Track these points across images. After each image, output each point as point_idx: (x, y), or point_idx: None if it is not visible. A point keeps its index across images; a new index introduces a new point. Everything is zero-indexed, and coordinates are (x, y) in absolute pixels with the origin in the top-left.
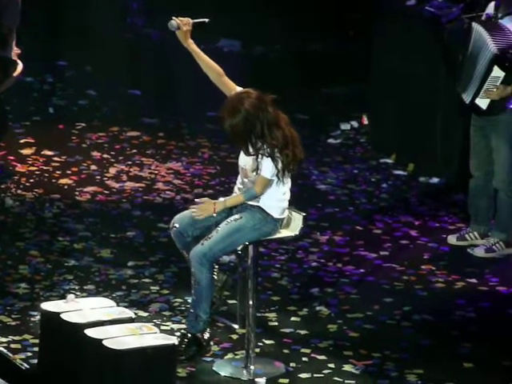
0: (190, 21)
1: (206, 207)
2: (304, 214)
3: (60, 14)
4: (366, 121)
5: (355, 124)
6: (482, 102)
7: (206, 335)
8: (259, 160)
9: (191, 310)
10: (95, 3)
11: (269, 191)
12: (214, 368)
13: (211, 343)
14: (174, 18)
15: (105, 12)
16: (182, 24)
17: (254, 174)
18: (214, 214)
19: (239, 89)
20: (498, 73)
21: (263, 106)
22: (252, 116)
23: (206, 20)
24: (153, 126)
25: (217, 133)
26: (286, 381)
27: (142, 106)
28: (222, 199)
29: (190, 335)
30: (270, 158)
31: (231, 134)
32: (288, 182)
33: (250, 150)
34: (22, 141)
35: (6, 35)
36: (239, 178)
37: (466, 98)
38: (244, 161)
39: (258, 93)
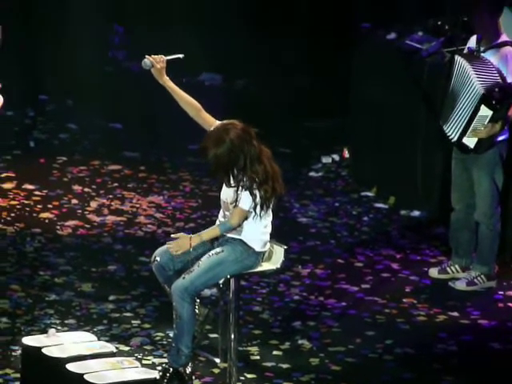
0: (164, 58)
1: (182, 243)
2: (285, 247)
3: (41, 47)
4: (347, 154)
5: (336, 157)
6: (470, 141)
7: (188, 369)
8: (239, 192)
9: (173, 344)
10: (77, 37)
11: (250, 224)
12: None
13: (193, 377)
14: (147, 56)
15: (86, 46)
16: (155, 62)
17: (233, 206)
18: (191, 249)
19: (218, 123)
20: (485, 112)
21: (248, 138)
22: (236, 147)
23: (181, 56)
24: (134, 159)
25: (198, 166)
26: None
27: (123, 139)
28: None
29: (171, 369)
30: (248, 191)
31: (214, 164)
32: (269, 215)
33: (231, 181)
34: (2, 175)
35: None
36: (221, 211)
37: (453, 135)
38: (226, 194)
39: (244, 125)
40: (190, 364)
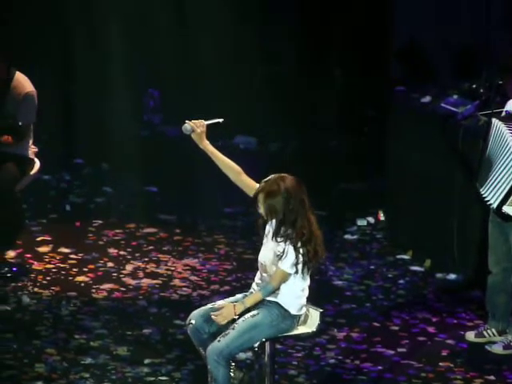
0: (204, 122)
1: (227, 312)
2: (321, 311)
3: (77, 112)
4: (382, 217)
5: (371, 220)
6: (510, 210)
7: None
8: (285, 247)
9: None
10: (112, 101)
11: (288, 287)
12: None
13: None
14: (187, 121)
15: (122, 109)
16: (195, 126)
17: (274, 267)
18: (236, 317)
19: (271, 176)
20: None
21: (302, 189)
22: (291, 197)
23: (221, 120)
24: (169, 222)
25: (233, 229)
26: None
27: (159, 202)
28: (239, 295)
29: None
30: (292, 247)
31: (268, 214)
32: (307, 279)
33: (280, 233)
34: (38, 238)
35: (22, 132)
36: (258, 273)
37: (492, 202)
38: (264, 256)
39: (297, 178)
40: None
